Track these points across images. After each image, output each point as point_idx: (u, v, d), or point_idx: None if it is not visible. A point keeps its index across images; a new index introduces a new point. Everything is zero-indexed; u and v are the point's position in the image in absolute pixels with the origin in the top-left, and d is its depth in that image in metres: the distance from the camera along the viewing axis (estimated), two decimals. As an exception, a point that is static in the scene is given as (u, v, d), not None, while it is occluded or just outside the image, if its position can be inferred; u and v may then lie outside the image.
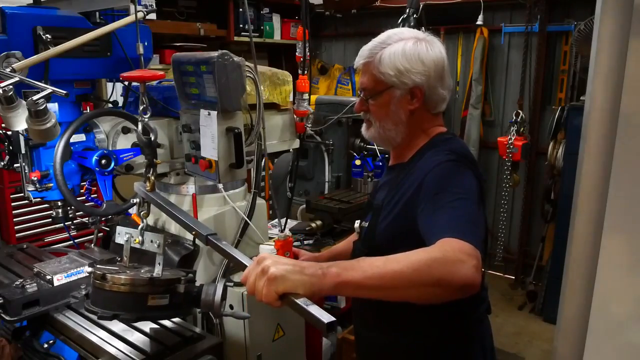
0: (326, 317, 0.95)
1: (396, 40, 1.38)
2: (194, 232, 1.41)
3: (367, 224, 1.50)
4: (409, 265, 1.02)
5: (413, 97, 1.39)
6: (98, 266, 1.45)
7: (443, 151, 1.35)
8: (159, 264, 1.44)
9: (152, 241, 1.46)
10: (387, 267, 1.03)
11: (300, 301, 0.99)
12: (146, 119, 1.51)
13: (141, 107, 1.50)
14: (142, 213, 1.54)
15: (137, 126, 1.57)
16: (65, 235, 3.34)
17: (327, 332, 0.93)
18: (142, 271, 1.47)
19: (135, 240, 1.48)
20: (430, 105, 1.42)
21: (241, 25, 4.54)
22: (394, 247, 1.16)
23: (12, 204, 3.25)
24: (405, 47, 1.36)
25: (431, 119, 1.45)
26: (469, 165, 1.32)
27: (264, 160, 1.90)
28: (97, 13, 1.78)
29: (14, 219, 3.28)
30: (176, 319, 1.67)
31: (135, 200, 1.58)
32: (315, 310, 0.97)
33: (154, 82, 1.96)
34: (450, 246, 1.07)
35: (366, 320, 1.55)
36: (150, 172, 1.56)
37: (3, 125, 1.42)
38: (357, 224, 1.61)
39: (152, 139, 1.52)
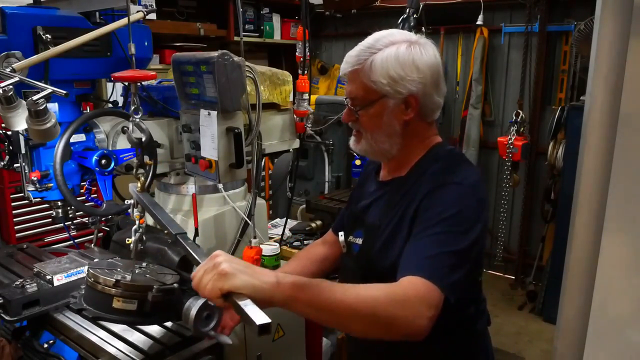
0: (260, 319, 0.92)
1: (386, 44, 1.25)
2: (166, 232, 1.39)
3: (361, 242, 1.38)
4: (365, 300, 1.03)
5: (408, 107, 1.27)
6: (97, 260, 1.44)
7: (452, 171, 1.25)
8: (137, 267, 1.43)
9: None
10: (345, 296, 1.03)
11: (239, 300, 0.96)
12: (137, 119, 1.50)
13: (132, 107, 1.49)
14: (135, 215, 1.53)
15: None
16: (65, 235, 3.34)
17: (259, 334, 0.91)
18: (136, 271, 1.46)
19: (127, 240, 1.47)
20: (425, 113, 1.30)
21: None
22: (394, 268, 1.14)
23: (12, 204, 3.25)
24: (398, 52, 1.23)
25: (426, 127, 1.34)
26: (475, 194, 1.22)
27: (264, 160, 1.90)
28: (97, 13, 1.78)
29: (14, 219, 3.29)
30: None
31: (132, 201, 1.58)
32: (252, 310, 0.94)
33: (154, 82, 1.96)
34: (415, 290, 1.06)
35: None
36: (141, 173, 1.52)
37: (3, 125, 1.42)
38: (341, 237, 1.48)
39: (143, 139, 1.51)
